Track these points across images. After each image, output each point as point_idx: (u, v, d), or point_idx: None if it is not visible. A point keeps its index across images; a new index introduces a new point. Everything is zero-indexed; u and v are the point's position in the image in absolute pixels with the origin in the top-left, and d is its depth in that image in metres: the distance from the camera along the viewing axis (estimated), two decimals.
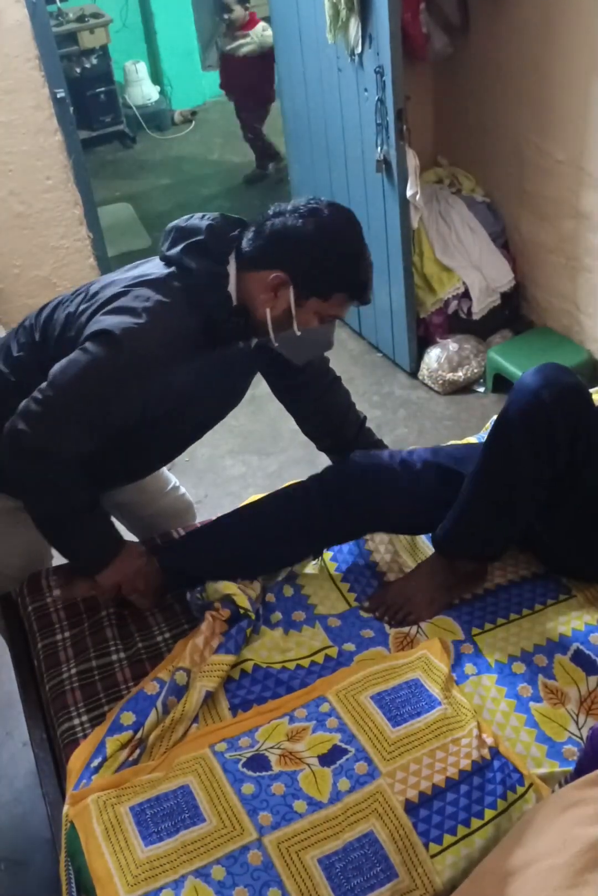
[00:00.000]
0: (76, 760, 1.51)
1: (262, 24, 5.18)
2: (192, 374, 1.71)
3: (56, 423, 1.60)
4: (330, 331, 1.77)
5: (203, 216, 1.73)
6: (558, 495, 1.73)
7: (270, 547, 1.86)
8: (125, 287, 1.66)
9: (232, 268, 1.68)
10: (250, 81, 5.32)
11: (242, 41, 5.25)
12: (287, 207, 1.68)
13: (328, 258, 1.65)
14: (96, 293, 1.71)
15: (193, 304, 1.65)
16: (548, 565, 1.87)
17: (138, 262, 1.81)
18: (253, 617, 1.73)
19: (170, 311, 1.63)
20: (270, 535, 1.85)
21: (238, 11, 5.19)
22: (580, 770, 1.41)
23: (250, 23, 5.25)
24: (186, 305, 1.65)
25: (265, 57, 5.12)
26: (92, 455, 1.67)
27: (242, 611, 1.72)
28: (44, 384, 1.61)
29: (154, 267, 1.73)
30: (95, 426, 1.64)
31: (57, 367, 1.61)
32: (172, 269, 1.68)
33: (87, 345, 1.60)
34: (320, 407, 2.03)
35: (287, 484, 1.93)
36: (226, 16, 5.21)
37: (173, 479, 2.22)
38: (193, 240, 1.68)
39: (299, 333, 1.69)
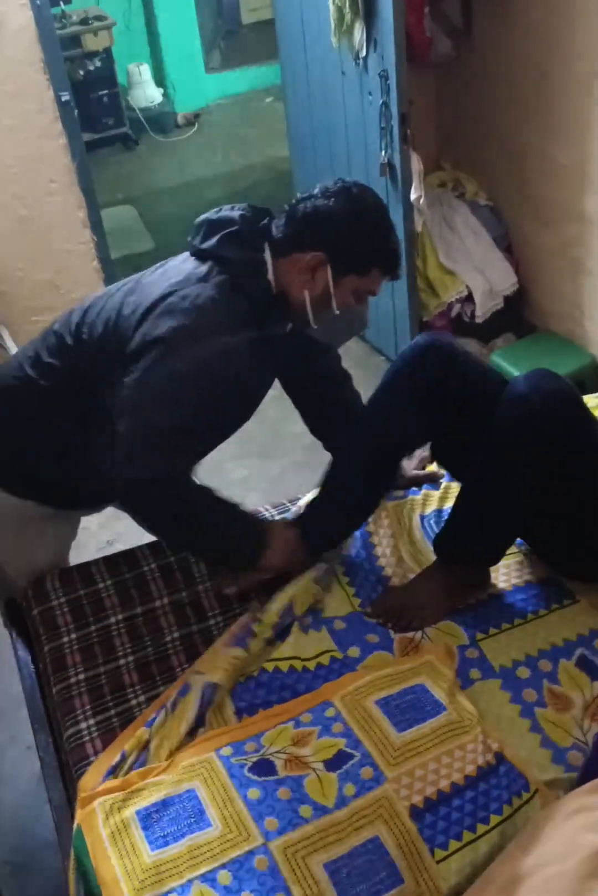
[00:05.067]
0: (91, 778, 1.52)
1: None
2: (251, 366, 1.70)
3: (157, 449, 1.60)
4: (364, 310, 1.80)
5: (233, 207, 1.75)
6: (554, 497, 1.73)
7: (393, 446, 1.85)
8: (168, 289, 1.65)
9: (267, 255, 1.70)
10: None
11: None
12: (315, 191, 1.71)
13: (364, 233, 1.69)
14: (134, 296, 1.70)
15: (237, 295, 1.66)
16: (551, 566, 1.88)
17: (165, 260, 1.80)
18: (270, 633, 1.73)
19: (219, 305, 1.63)
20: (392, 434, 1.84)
21: None
22: (586, 776, 1.41)
23: None
24: (231, 297, 1.65)
25: None
26: None
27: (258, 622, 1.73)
28: (125, 419, 1.60)
29: (188, 263, 1.72)
30: (190, 431, 1.64)
31: (128, 396, 1.60)
32: (210, 263, 1.69)
33: (145, 358, 1.60)
34: (332, 401, 2.04)
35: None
36: None
37: None
38: (228, 230, 1.69)
39: (337, 312, 1.72)
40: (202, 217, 1.76)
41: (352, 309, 1.75)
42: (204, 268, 1.69)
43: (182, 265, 1.73)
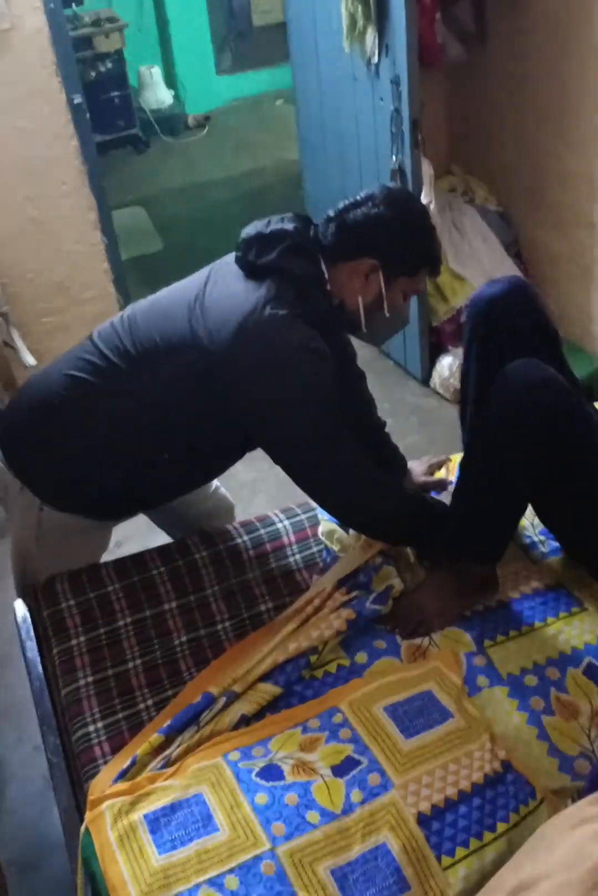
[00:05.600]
0: (102, 781, 1.52)
1: None
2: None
3: (331, 457, 1.72)
4: (407, 308, 1.86)
5: (282, 219, 1.77)
6: (545, 486, 1.75)
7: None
8: (242, 320, 1.65)
9: (323, 265, 1.74)
10: None
11: None
12: (361, 198, 1.75)
13: (413, 236, 1.76)
14: (204, 322, 1.69)
15: (304, 307, 1.69)
16: (580, 561, 1.88)
17: (210, 275, 1.80)
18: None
19: (298, 324, 1.66)
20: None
21: None
22: (593, 785, 1.41)
23: None
24: (301, 311, 1.68)
25: None
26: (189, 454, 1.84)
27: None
28: (297, 459, 1.75)
29: (242, 283, 1.72)
30: (339, 422, 1.73)
31: (277, 440, 1.76)
32: (270, 279, 1.70)
33: (267, 402, 1.69)
34: (345, 398, 2.05)
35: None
36: None
37: (215, 480, 2.24)
38: (287, 244, 1.72)
39: (388, 315, 1.77)
40: (252, 231, 1.76)
41: (399, 309, 1.81)
42: (267, 286, 1.68)
43: (240, 285, 1.72)
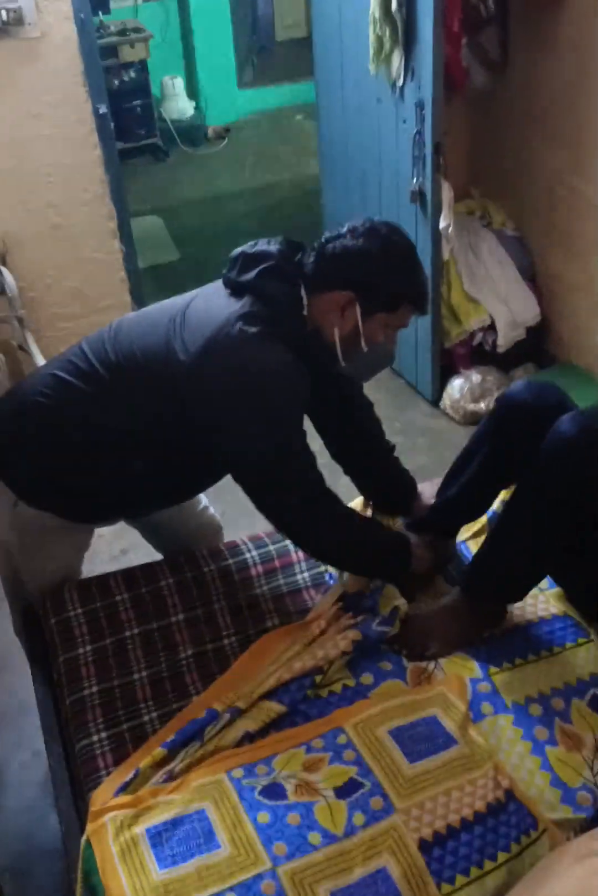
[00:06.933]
0: (104, 793, 1.52)
1: None
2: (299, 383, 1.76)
3: (289, 480, 1.72)
4: (392, 344, 1.83)
5: (269, 241, 1.78)
6: (587, 539, 1.73)
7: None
8: (212, 334, 1.66)
9: (303, 292, 1.73)
10: None
11: None
12: (344, 230, 1.73)
13: (392, 271, 1.72)
14: (181, 336, 1.71)
15: (277, 328, 1.69)
16: (575, 605, 1.87)
17: (198, 291, 1.83)
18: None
19: (265, 343, 1.66)
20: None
21: None
22: None
23: None
24: (273, 332, 1.68)
25: None
26: (166, 469, 1.83)
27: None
28: (254, 477, 1.73)
29: (224, 299, 1.74)
30: (301, 444, 1.72)
31: (235, 456, 1.72)
32: (247, 297, 1.71)
33: (226, 416, 1.67)
34: (352, 429, 2.06)
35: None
36: None
37: (204, 500, 2.24)
38: (266, 265, 1.72)
39: (366, 350, 1.75)
40: (238, 250, 1.78)
41: (379, 346, 1.78)
42: (242, 303, 1.70)
43: (220, 301, 1.74)
